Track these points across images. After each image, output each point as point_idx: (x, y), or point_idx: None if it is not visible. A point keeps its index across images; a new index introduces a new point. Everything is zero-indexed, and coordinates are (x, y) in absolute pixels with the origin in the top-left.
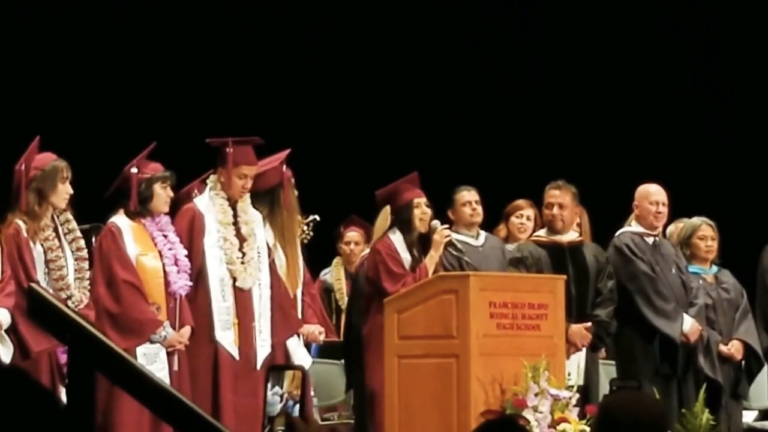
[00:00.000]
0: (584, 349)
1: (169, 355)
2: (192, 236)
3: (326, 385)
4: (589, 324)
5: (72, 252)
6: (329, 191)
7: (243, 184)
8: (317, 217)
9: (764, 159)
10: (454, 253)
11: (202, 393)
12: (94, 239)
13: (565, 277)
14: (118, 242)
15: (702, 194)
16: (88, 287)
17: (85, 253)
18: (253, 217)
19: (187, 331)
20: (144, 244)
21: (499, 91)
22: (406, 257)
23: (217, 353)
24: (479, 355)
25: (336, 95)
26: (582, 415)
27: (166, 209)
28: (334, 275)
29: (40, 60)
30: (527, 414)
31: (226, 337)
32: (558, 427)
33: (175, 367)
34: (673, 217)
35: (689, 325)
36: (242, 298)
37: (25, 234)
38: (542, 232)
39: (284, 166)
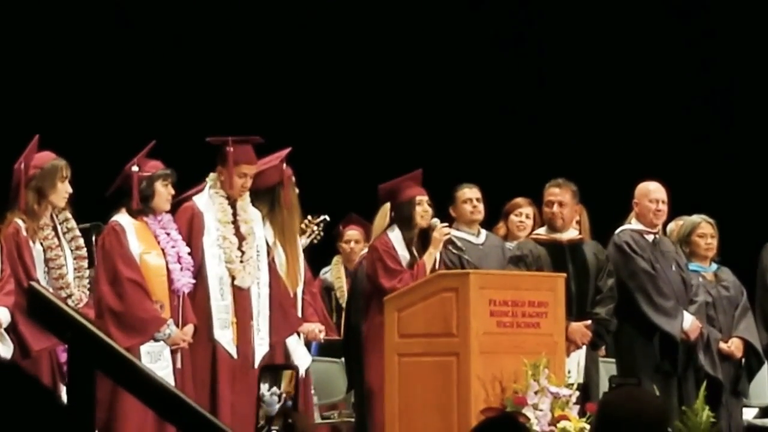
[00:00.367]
0: (584, 347)
1: (173, 353)
2: (191, 235)
3: (327, 384)
4: (589, 322)
5: (71, 251)
6: (328, 190)
7: (243, 183)
8: (327, 217)
9: (764, 157)
10: (454, 251)
11: (201, 391)
12: (94, 238)
13: (565, 275)
14: (121, 240)
15: (701, 192)
16: (88, 286)
17: (84, 251)
18: (252, 216)
19: (190, 328)
20: (147, 242)
21: (499, 89)
22: (404, 255)
23: (215, 352)
24: (479, 353)
25: (336, 94)
26: (582, 413)
27: (168, 207)
28: (334, 274)
29: (39, 59)
30: (527, 412)
31: (225, 335)
32: (558, 425)
33: (179, 365)
34: (672, 214)
35: (689, 322)
36: (241, 297)
37: (24, 233)
38: (542, 230)
39: (285, 165)
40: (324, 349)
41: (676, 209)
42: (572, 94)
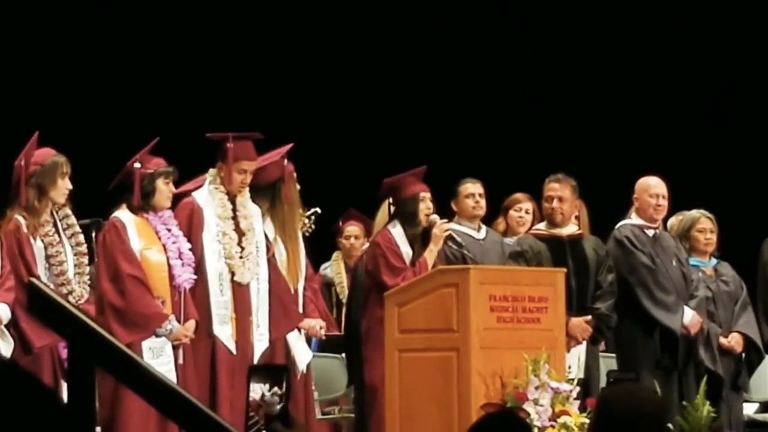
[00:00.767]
0: (584, 342)
1: (175, 348)
2: (191, 230)
3: (327, 379)
4: (590, 317)
5: (72, 247)
6: (329, 185)
7: (242, 179)
8: (318, 210)
9: (763, 152)
10: (454, 247)
11: (200, 387)
12: (94, 234)
13: (565, 270)
14: (122, 236)
15: (701, 187)
16: (88, 282)
17: (84, 248)
18: (252, 212)
19: (192, 324)
20: (148, 238)
21: (498, 84)
22: (406, 251)
23: (214, 347)
24: (480, 348)
25: (336, 90)
26: (582, 408)
27: (168, 204)
28: (335, 269)
29: (39, 55)
30: (528, 407)
31: (224, 331)
32: (559, 420)
33: (181, 361)
34: (672, 209)
35: (690, 317)
36: (240, 293)
37: (25, 229)
38: (541, 226)
39: (286, 161)
40: (324, 345)
41: (675, 204)
42: (572, 89)
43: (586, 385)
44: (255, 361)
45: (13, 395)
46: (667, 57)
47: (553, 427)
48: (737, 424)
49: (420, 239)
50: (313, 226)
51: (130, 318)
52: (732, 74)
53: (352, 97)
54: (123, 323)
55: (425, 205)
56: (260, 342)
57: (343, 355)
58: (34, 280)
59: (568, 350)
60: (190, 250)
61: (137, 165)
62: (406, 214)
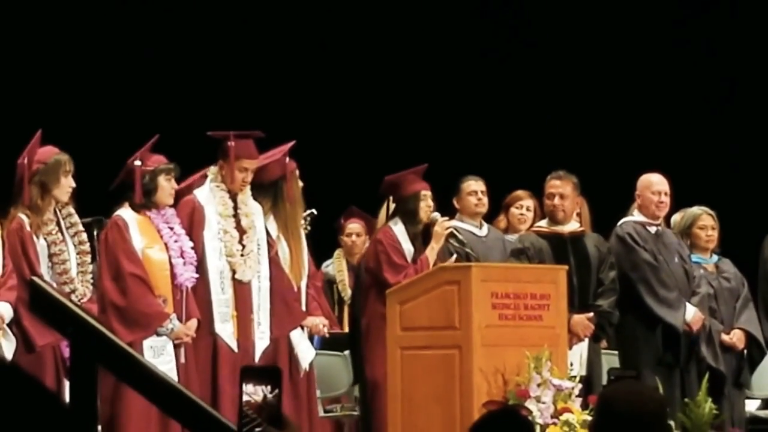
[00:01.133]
0: (586, 340)
1: (176, 347)
2: (192, 228)
3: (329, 377)
4: (591, 314)
5: (75, 246)
6: (330, 183)
7: (243, 177)
8: (314, 211)
9: (765, 148)
10: (456, 244)
11: (202, 385)
12: (96, 233)
13: (566, 267)
14: (124, 235)
15: (702, 183)
16: (91, 281)
17: (87, 246)
18: (253, 209)
19: (193, 323)
20: (150, 237)
21: (499, 81)
22: (408, 248)
23: (216, 345)
24: (482, 345)
25: (338, 87)
26: (585, 406)
27: (171, 201)
28: (336, 267)
29: (42, 53)
30: (530, 404)
31: (225, 329)
32: (561, 418)
33: (182, 360)
34: (673, 206)
35: (692, 314)
36: (241, 291)
37: (28, 228)
38: (543, 223)
39: (288, 158)
40: (327, 343)
41: (677, 201)
42: (573, 86)
43: (588, 382)
44: (256, 359)
45: (14, 398)
46: (668, 53)
47: (555, 424)
48: (739, 421)
49: (421, 237)
50: (308, 227)
51: (131, 317)
52: (733, 71)
53: (354, 95)
54: (124, 322)
55: (426, 203)
56: (261, 340)
57: (346, 352)
58: (35, 278)
59: (570, 347)
60: (192, 248)
61: (138, 163)
62: (407, 212)
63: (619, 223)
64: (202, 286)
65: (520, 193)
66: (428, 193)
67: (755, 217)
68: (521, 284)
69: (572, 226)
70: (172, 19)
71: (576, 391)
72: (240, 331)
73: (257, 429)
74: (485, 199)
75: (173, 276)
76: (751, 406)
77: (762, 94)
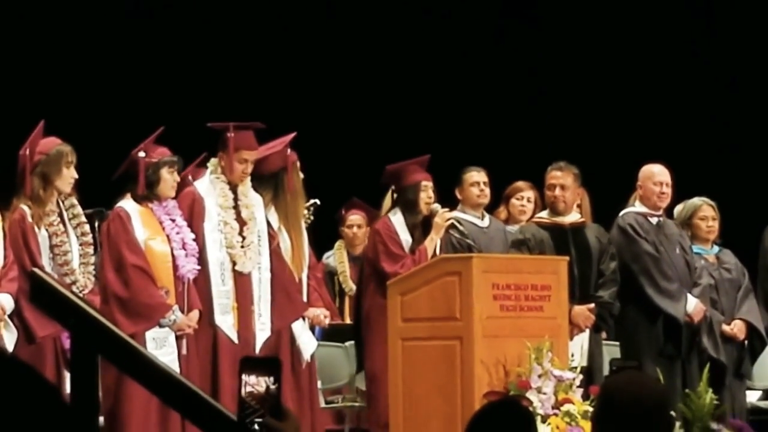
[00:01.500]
0: (587, 330)
1: (178, 339)
2: (192, 220)
3: (330, 368)
4: (592, 305)
5: (77, 237)
6: (331, 174)
7: (243, 168)
8: (318, 201)
9: (766, 139)
10: (457, 235)
11: (202, 376)
12: (97, 224)
13: (567, 258)
14: (126, 227)
15: (703, 174)
16: (93, 272)
17: (89, 238)
18: (253, 201)
19: (195, 314)
20: (152, 228)
21: (501, 73)
22: (406, 238)
23: (216, 337)
24: (483, 336)
25: (339, 78)
26: (585, 396)
27: (173, 194)
28: (337, 258)
29: (44, 44)
30: (531, 395)
31: (226, 320)
32: (562, 408)
33: (184, 351)
34: (675, 197)
35: (693, 305)
36: (242, 282)
37: (30, 219)
38: (544, 214)
39: (289, 150)
40: (328, 334)
41: (678, 192)
42: (574, 77)
43: (589, 373)
44: (257, 351)
45: (14, 390)
46: (669, 44)
47: (556, 415)
48: (740, 412)
49: (420, 228)
50: (311, 218)
51: (133, 308)
52: (734, 61)
53: (355, 86)
54: (126, 313)
55: (426, 194)
56: (262, 331)
57: (347, 344)
58: (36, 270)
59: (571, 338)
60: (194, 240)
61: (141, 154)
62: (407, 202)
63: (621, 213)
64: (202, 278)
65: (520, 184)
66: (429, 184)
67: (756, 207)
68: (522, 275)
69: (573, 217)
70: (174, 11)
71: (577, 382)
72: (240, 323)
73: (257, 419)
74: (487, 190)
75: (175, 267)
76: (752, 396)
77: (763, 84)
